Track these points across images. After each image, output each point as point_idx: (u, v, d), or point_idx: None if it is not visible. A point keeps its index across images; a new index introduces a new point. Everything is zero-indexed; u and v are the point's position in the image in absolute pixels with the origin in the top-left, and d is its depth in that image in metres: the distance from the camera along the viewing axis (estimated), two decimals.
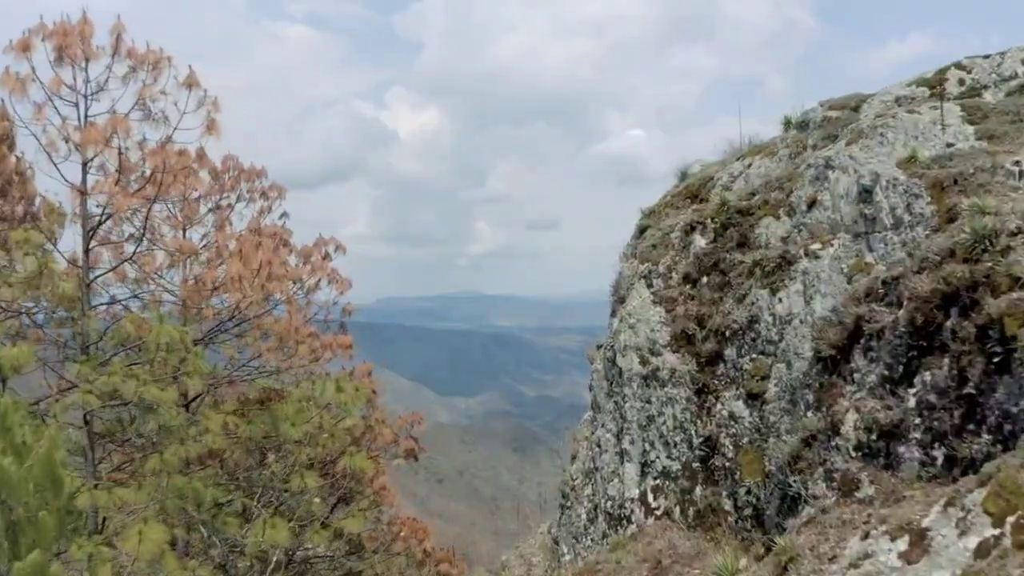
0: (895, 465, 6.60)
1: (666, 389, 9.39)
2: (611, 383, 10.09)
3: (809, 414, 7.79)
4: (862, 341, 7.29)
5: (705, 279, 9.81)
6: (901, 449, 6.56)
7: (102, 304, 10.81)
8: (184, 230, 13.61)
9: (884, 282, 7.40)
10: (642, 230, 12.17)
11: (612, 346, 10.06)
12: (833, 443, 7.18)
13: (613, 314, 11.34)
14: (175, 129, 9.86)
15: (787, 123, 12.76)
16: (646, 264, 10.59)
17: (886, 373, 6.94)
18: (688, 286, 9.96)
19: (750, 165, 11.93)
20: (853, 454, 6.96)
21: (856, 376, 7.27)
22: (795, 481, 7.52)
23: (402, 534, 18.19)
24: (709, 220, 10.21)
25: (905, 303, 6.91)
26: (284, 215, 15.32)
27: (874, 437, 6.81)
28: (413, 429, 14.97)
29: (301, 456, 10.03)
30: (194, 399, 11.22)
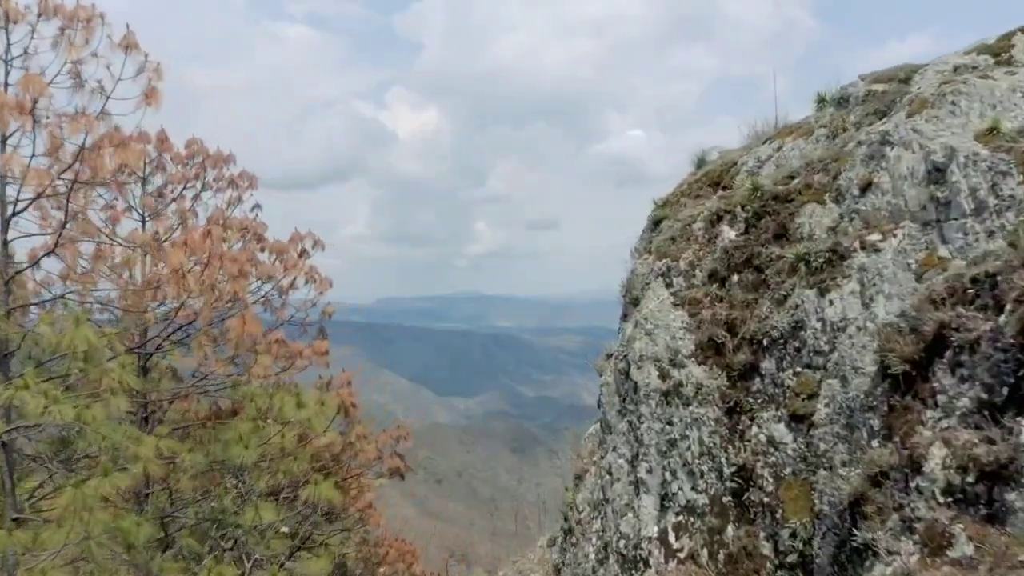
0: (1003, 517, 5.08)
1: (691, 408, 7.86)
2: (624, 400, 8.57)
3: (875, 444, 6.27)
4: (948, 355, 5.78)
5: (736, 277, 8.29)
6: (1011, 496, 5.05)
7: (33, 305, 9.33)
8: (144, 222, 12.16)
9: (973, 280, 5.89)
10: (657, 222, 10.65)
11: (625, 356, 8.54)
12: (913, 484, 5.66)
13: (625, 318, 9.82)
14: (108, 98, 8.36)
15: (821, 101, 11.24)
16: (664, 260, 9.07)
17: (985, 396, 5.42)
18: (715, 285, 8.44)
19: (780, 148, 10.42)
20: (941, 499, 5.44)
21: (941, 399, 5.75)
22: (861, 529, 6.00)
23: (388, 557, 16.69)
24: (739, 208, 8.69)
25: (1009, 307, 5.41)
26: (256, 207, 13.84)
27: (971, 479, 5.29)
28: (399, 445, 13.48)
29: (260, 483, 8.52)
30: (147, 416, 9.72)
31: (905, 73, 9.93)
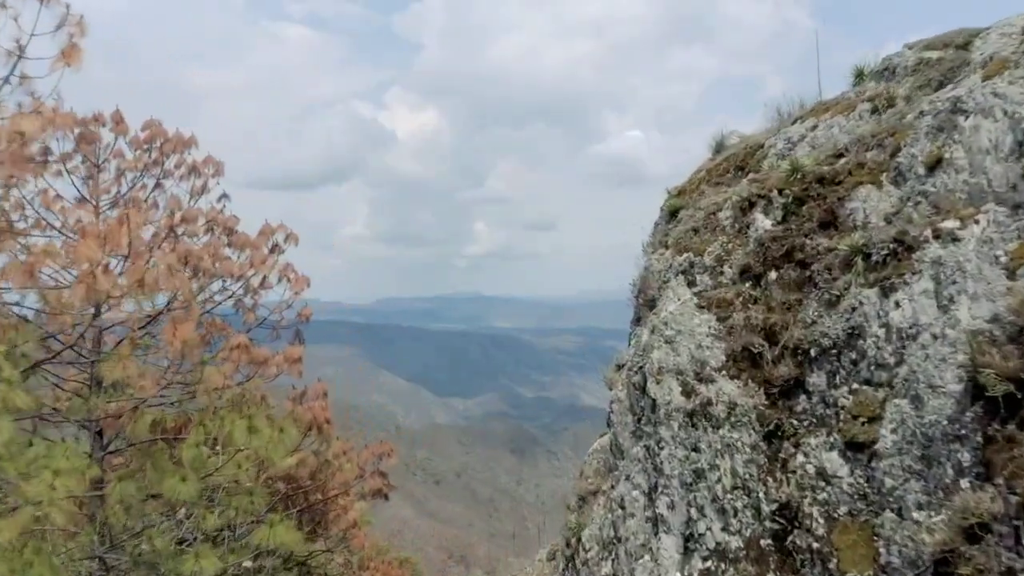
0: None
1: (722, 432, 6.51)
2: (640, 419, 7.22)
3: (966, 485, 4.94)
4: None
5: (774, 274, 6.94)
6: None
7: None
8: (98, 214, 10.82)
9: None
10: (673, 212, 9.31)
11: (641, 368, 7.19)
12: None
13: (638, 321, 8.48)
14: (20, 57, 7.00)
15: (859, 75, 9.89)
16: (685, 255, 7.73)
17: None
18: (748, 284, 7.10)
19: (815, 127, 9.07)
20: None
21: None
22: None
23: None
24: (775, 193, 7.34)
25: None
26: (224, 197, 12.48)
27: None
28: (383, 462, 12.11)
29: (208, 523, 7.16)
30: (100, 433, 8.36)
31: (963, 38, 8.57)
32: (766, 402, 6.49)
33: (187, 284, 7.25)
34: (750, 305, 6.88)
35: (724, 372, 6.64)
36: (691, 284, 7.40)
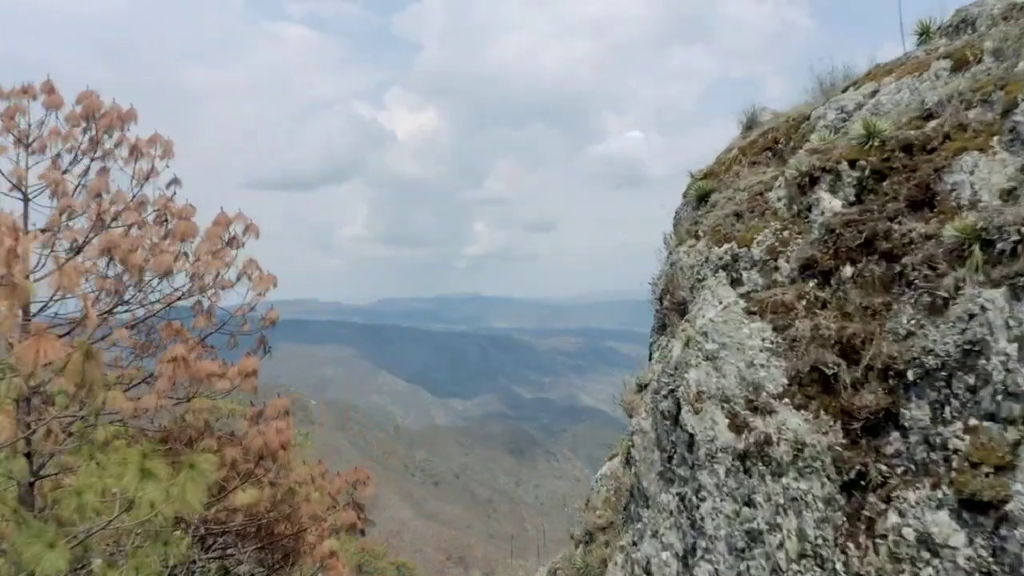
0: None
1: (785, 480, 4.86)
2: (670, 458, 5.57)
3: None
4: None
5: (849, 269, 5.28)
6: None
7: None
8: (26, 200, 9.27)
9: None
10: (703, 196, 7.66)
11: (672, 391, 5.53)
12: None
13: (663, 330, 6.83)
14: None
15: (923, 32, 8.25)
16: (726, 246, 6.07)
17: None
18: (814, 282, 5.45)
19: (875, 92, 7.43)
20: None
21: None
22: None
23: None
24: (845, 165, 5.69)
25: None
26: (174, 182, 10.84)
27: None
28: (358, 491, 10.44)
29: None
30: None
31: None
32: (845, 441, 4.84)
33: (73, 281, 5.57)
34: (817, 310, 5.23)
35: (786, 400, 4.99)
36: (736, 283, 5.76)
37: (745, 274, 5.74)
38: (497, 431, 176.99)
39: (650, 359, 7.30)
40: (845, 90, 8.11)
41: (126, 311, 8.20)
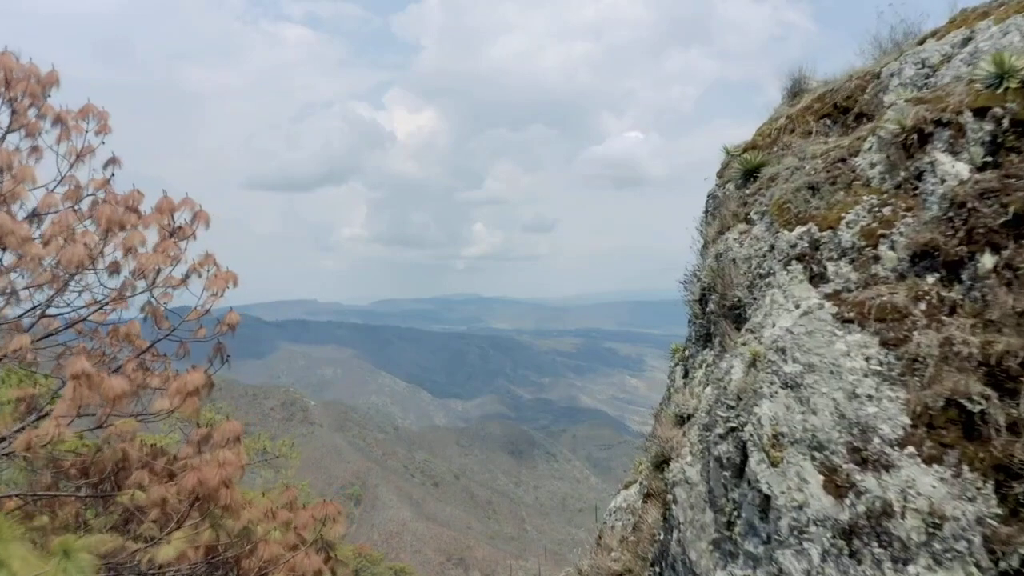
0: None
1: (914, 569, 3.27)
2: (729, 522, 3.97)
3: None
4: None
5: (989, 258, 3.70)
6: None
7: None
8: None
9: None
10: (751, 172, 6.07)
11: (731, 430, 3.94)
12: None
13: (707, 341, 5.22)
14: None
15: None
16: (799, 229, 4.48)
17: None
18: (935, 277, 3.86)
19: (968, 39, 5.85)
20: None
21: None
22: None
23: None
24: (969, 116, 4.11)
25: None
26: (112, 162, 9.32)
27: None
28: (326, 527, 8.79)
29: None
30: None
31: None
32: (1000, 511, 3.26)
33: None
34: (945, 317, 3.65)
35: (911, 449, 3.41)
36: (817, 279, 4.17)
37: (831, 266, 4.16)
38: (497, 432, 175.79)
39: (683, 377, 5.72)
40: (922, 42, 6.54)
41: (23, 314, 6.60)
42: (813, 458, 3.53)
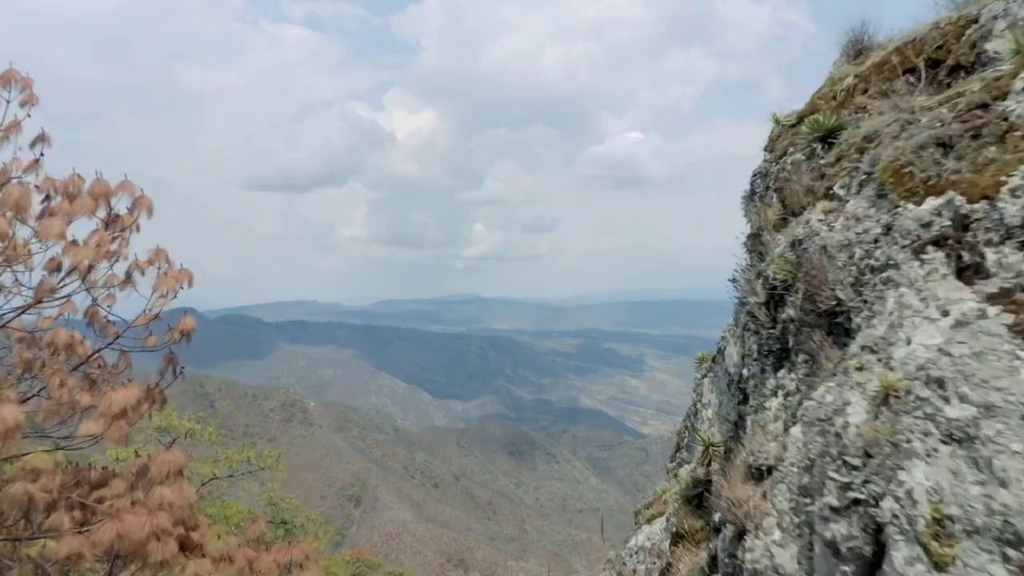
0: None
1: None
2: None
3: None
4: None
5: None
6: None
7: None
8: None
9: None
10: (825, 138, 4.70)
11: (852, 503, 2.55)
12: None
13: (783, 358, 3.84)
14: None
15: None
16: (934, 200, 3.11)
17: None
18: None
19: None
20: None
21: None
22: None
23: None
24: None
25: None
26: (40, 139, 7.87)
27: None
28: (294, 573, 7.39)
29: None
30: None
31: None
32: None
33: None
34: None
35: None
36: (969, 271, 2.81)
37: (991, 253, 2.79)
38: (497, 433, 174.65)
39: (743, 403, 4.35)
40: None
41: None
42: (1006, 558, 2.17)
